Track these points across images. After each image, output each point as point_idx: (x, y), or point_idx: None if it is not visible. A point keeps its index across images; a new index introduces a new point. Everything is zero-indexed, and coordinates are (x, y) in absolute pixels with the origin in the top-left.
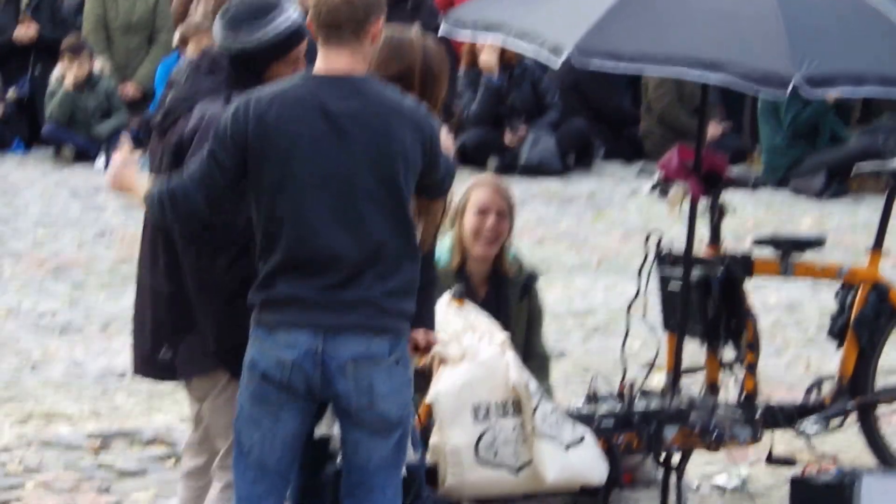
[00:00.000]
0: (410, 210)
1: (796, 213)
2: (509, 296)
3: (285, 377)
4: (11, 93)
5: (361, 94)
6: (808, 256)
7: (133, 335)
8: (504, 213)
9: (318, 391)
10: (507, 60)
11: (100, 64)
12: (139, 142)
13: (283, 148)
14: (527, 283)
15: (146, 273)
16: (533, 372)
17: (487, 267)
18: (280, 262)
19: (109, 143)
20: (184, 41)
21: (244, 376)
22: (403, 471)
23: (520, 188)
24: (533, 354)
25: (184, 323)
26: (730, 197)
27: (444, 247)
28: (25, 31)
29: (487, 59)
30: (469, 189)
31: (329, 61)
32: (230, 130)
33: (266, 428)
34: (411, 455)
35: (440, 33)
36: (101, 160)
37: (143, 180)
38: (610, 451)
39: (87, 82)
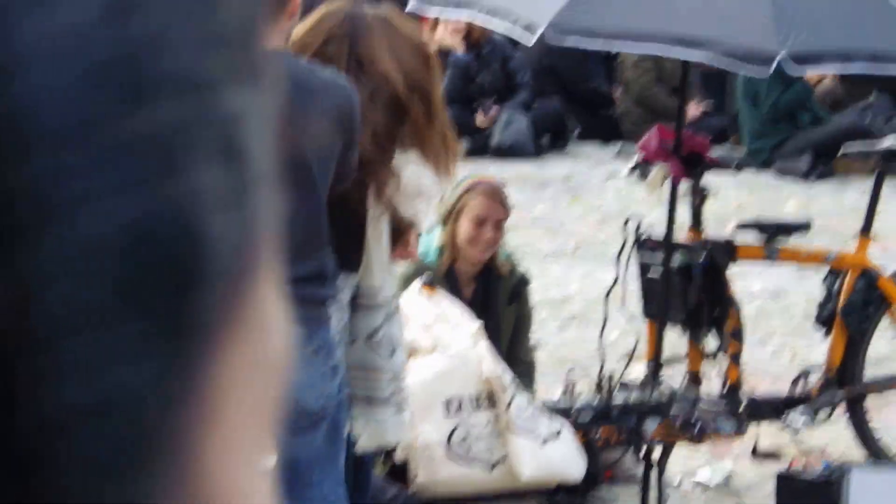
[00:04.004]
0: (324, 190)
1: (781, 196)
2: (498, 296)
3: None
4: None
5: None
6: (794, 241)
7: None
8: (502, 221)
9: None
10: (475, 41)
11: None
12: None
13: None
14: (518, 285)
15: None
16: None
17: (478, 267)
18: None
19: None
20: None
21: None
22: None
23: (492, 171)
24: (517, 361)
25: None
26: (712, 179)
27: (431, 243)
28: None
29: (443, 38)
30: (466, 192)
31: None
32: None
33: None
34: None
35: (408, 9)
36: None
37: None
38: (588, 446)
39: None
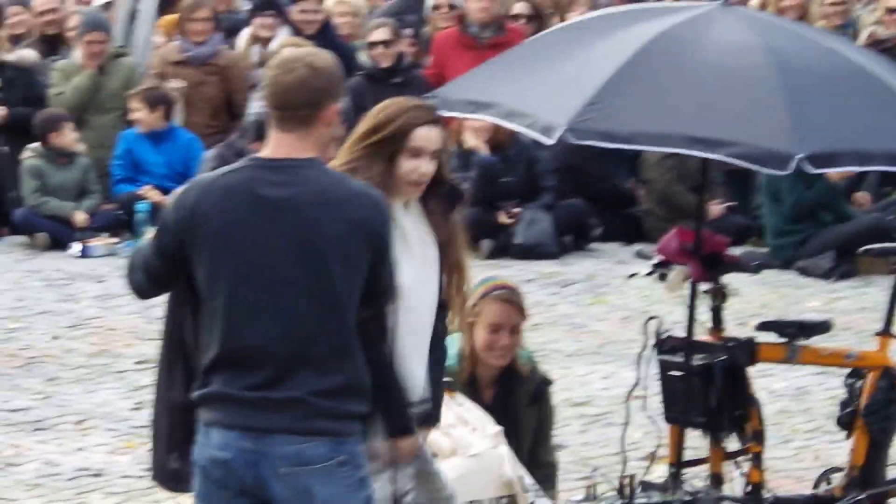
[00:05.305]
0: (350, 305)
1: (803, 295)
2: (519, 398)
3: (220, 476)
4: None
5: (298, 180)
6: (815, 341)
7: (152, 441)
8: (518, 326)
9: (253, 493)
10: (500, 142)
11: (75, 137)
12: (122, 223)
13: (214, 237)
14: (539, 386)
15: (163, 382)
16: (538, 482)
17: (498, 370)
18: (215, 357)
19: (84, 229)
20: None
21: (195, 474)
22: None
23: (514, 271)
24: (539, 462)
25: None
26: (733, 279)
27: (451, 348)
28: None
29: (469, 139)
30: (480, 301)
31: (276, 145)
32: (171, 217)
33: None
34: None
35: None
36: (75, 247)
37: None
38: None
39: (67, 156)
